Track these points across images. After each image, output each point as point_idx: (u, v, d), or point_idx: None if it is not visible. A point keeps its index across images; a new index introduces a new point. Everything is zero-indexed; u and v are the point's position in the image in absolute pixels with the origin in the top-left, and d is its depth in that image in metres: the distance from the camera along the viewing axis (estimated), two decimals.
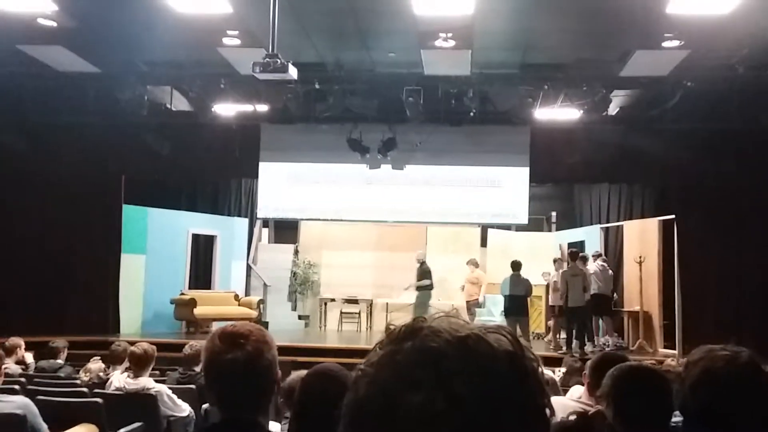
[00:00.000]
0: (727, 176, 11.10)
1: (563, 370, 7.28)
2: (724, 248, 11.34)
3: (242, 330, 1.85)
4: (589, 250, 12.91)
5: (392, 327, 0.78)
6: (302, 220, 14.48)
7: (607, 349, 10.98)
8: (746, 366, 1.68)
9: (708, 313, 11.15)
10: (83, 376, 6.61)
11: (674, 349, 11.18)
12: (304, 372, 3.12)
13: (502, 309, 12.09)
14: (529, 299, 11.94)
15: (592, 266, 11.86)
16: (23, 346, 7.36)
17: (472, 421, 0.68)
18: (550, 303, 12.35)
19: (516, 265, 11.70)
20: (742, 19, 7.87)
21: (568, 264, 11.90)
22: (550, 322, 13.05)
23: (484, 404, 0.69)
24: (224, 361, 1.80)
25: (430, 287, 12.66)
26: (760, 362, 1.72)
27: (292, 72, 7.38)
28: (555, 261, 12.62)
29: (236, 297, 13.65)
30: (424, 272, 12.72)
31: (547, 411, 0.74)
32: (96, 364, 6.78)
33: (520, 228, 14.17)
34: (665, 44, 8.94)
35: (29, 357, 7.60)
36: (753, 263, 11.20)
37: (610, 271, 12.04)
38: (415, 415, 0.68)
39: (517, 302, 11.55)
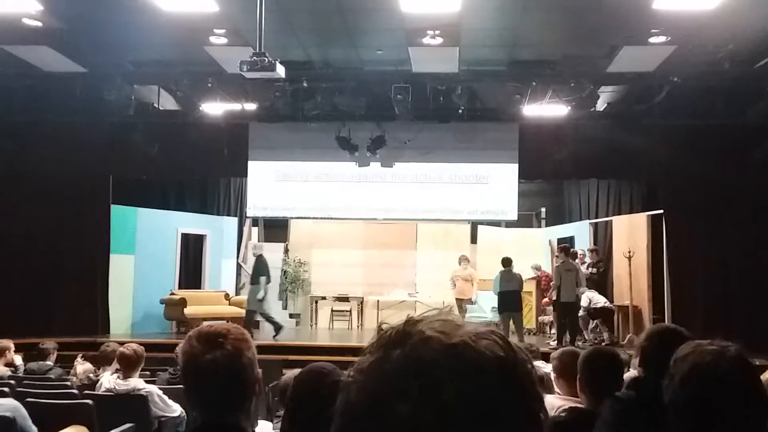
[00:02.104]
0: (715, 170, 11.17)
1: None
2: (712, 242, 11.41)
3: (220, 329, 1.80)
4: (579, 246, 13.01)
5: (384, 327, 0.77)
6: (292, 218, 14.46)
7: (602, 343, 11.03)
8: (734, 360, 1.70)
9: (697, 306, 11.22)
10: (73, 378, 6.58)
11: None
12: (296, 372, 3.14)
13: (494, 306, 12.13)
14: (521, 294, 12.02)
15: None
16: (12, 349, 7.31)
17: (462, 429, 0.68)
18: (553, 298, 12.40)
19: (507, 262, 11.76)
20: (727, 15, 7.91)
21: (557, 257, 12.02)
22: (544, 317, 13.12)
23: (473, 413, 0.68)
24: (204, 362, 1.74)
25: (266, 281, 12.15)
26: (747, 356, 1.73)
27: (280, 70, 7.36)
28: (557, 256, 12.67)
29: (226, 296, 13.63)
30: (259, 265, 12.25)
31: (541, 416, 0.73)
32: (82, 366, 6.74)
33: (509, 224, 14.20)
34: (652, 40, 8.97)
35: (18, 359, 7.55)
36: (741, 256, 11.28)
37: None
38: (404, 424, 0.68)
39: (510, 298, 11.59)
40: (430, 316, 0.76)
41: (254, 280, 12.07)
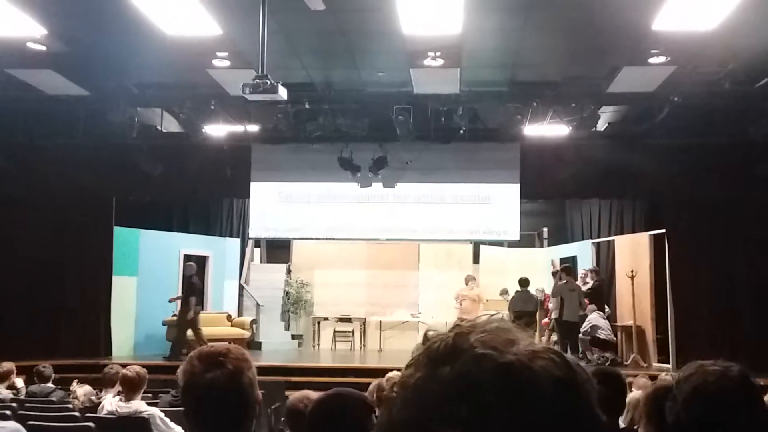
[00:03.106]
0: (717, 189, 11.17)
1: None
2: (715, 261, 11.38)
3: (220, 349, 1.80)
4: (582, 265, 13.01)
5: (431, 334, 0.72)
6: (294, 239, 14.47)
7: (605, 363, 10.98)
8: (737, 380, 1.69)
9: (701, 325, 11.18)
10: (75, 401, 6.56)
11: (668, 362, 11.19)
12: (305, 392, 3.13)
13: None
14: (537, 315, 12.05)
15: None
16: (15, 371, 7.30)
17: None
18: (553, 316, 12.37)
19: (525, 282, 11.79)
20: (727, 35, 7.96)
21: (560, 278, 12.01)
22: (542, 338, 13.08)
23: None
24: (204, 381, 1.73)
25: (196, 303, 12.23)
26: (750, 376, 1.73)
27: (282, 92, 7.40)
28: (553, 275, 12.65)
29: (229, 317, 13.60)
30: (189, 286, 12.28)
31: None
32: (83, 388, 6.72)
33: (512, 244, 14.19)
34: (652, 60, 9.02)
35: (20, 382, 7.53)
36: (744, 275, 11.25)
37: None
38: None
39: (526, 318, 11.60)
40: (482, 325, 0.71)
41: (184, 301, 12.12)
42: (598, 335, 11.46)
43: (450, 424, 0.64)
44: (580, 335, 11.46)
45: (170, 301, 12.39)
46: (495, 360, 0.66)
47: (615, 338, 11.84)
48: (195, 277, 12.36)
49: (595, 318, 11.58)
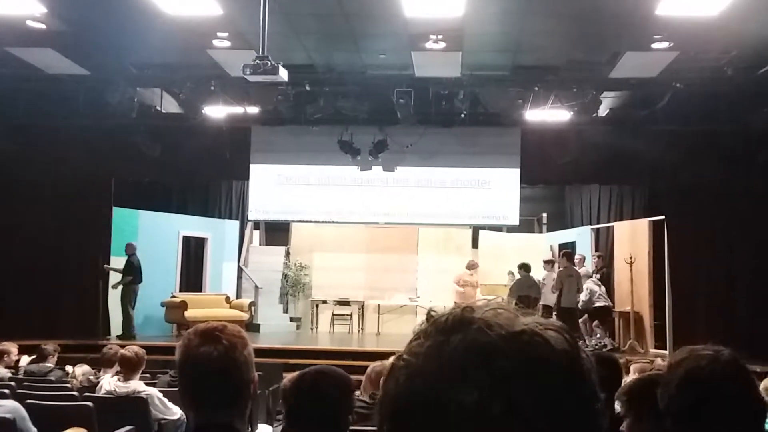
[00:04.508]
0: (717, 177, 11.16)
1: None
2: (714, 248, 11.39)
3: (217, 326, 1.81)
4: (581, 251, 13.02)
5: (434, 313, 0.73)
6: (293, 222, 14.47)
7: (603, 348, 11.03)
8: (729, 364, 1.71)
9: (698, 313, 11.20)
10: (73, 380, 6.59)
11: (665, 349, 11.23)
12: (297, 374, 3.16)
13: None
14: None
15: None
16: (14, 352, 7.31)
17: (529, 426, 0.64)
18: (542, 303, 12.39)
19: (527, 267, 11.81)
20: (730, 21, 7.92)
21: (557, 263, 12.05)
22: None
23: (541, 408, 0.65)
24: (199, 355, 1.74)
25: (136, 281, 12.14)
26: (741, 360, 1.74)
27: (283, 74, 7.38)
28: (545, 262, 12.67)
29: (227, 299, 13.62)
30: (129, 265, 12.18)
31: (601, 416, 0.69)
32: (80, 368, 6.75)
33: (511, 229, 14.20)
34: (654, 46, 8.98)
35: (26, 359, 7.56)
36: (743, 263, 11.27)
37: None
38: (469, 416, 0.64)
39: (528, 304, 11.62)
40: (485, 304, 0.72)
41: (123, 280, 12.08)
42: (594, 304, 11.47)
43: (465, 389, 0.65)
44: (579, 305, 11.48)
45: (105, 267, 12.30)
46: (506, 328, 0.68)
47: (612, 303, 11.86)
48: (135, 256, 12.27)
49: (591, 284, 11.61)
